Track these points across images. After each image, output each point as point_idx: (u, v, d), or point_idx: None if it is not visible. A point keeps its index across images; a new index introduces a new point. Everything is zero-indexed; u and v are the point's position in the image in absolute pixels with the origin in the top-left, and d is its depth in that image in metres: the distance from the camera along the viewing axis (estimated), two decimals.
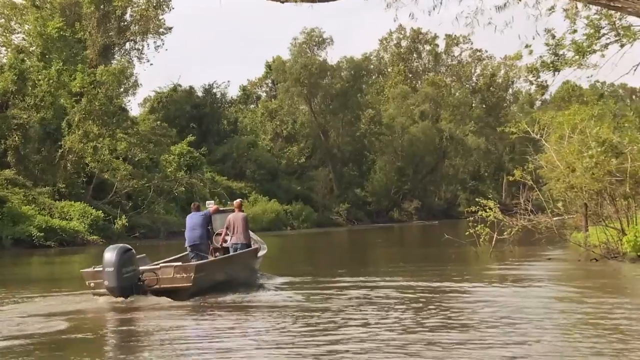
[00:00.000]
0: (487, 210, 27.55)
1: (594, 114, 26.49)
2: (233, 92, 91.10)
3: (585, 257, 25.59)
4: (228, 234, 19.02)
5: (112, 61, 69.06)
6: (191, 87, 78.63)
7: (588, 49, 21.47)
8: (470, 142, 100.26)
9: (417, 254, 34.93)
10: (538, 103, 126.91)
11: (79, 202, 48.28)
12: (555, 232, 26.34)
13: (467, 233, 28.13)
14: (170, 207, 58.18)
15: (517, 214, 27.10)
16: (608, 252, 24.36)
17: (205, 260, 17.49)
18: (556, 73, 23.16)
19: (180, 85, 78.07)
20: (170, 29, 74.91)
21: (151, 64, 75.08)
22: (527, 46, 23.50)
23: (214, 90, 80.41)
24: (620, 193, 23.08)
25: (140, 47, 74.76)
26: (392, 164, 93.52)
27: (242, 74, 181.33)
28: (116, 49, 74.28)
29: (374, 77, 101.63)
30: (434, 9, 14.83)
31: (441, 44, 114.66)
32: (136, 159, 56.71)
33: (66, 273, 27.39)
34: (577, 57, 22.11)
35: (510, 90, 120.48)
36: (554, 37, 23.15)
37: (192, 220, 18.81)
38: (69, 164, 51.06)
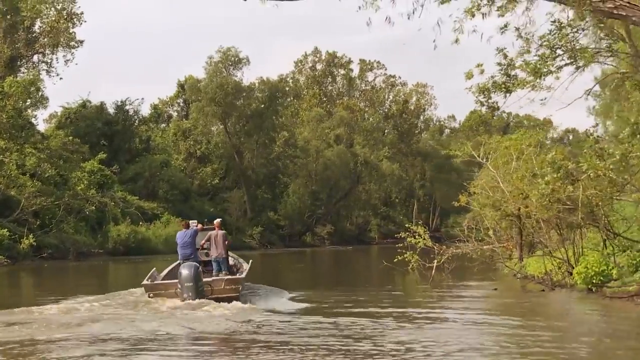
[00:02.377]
0: (417, 237, 26.71)
1: (540, 139, 25.88)
2: (144, 111, 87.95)
3: (522, 287, 24.96)
4: (208, 247, 21.52)
5: (18, 74, 65.94)
6: (102, 103, 75.73)
7: (544, 70, 20.72)
8: (385, 168, 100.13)
9: (349, 280, 33.76)
10: (447, 131, 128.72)
11: None
12: (500, 259, 25.53)
13: (395, 260, 27.27)
14: (80, 227, 55.40)
15: (463, 241, 26.28)
16: (552, 283, 23.64)
17: (242, 276, 21.03)
18: (507, 94, 22.40)
19: (89, 102, 75.11)
20: (81, 42, 72.31)
21: (61, 78, 71.91)
22: (478, 65, 22.72)
23: (127, 107, 77.67)
24: (572, 222, 22.27)
25: (49, 61, 71.92)
26: (306, 188, 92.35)
27: (151, 93, 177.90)
28: (23, 61, 71.24)
29: (289, 99, 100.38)
30: (413, 12, 13.77)
31: (355, 69, 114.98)
32: (45, 175, 53.73)
33: None
34: (531, 78, 21.36)
35: (421, 117, 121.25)
36: (505, 56, 22.41)
37: (184, 238, 20.76)
38: None
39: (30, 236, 47.40)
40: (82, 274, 40.45)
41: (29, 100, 56.33)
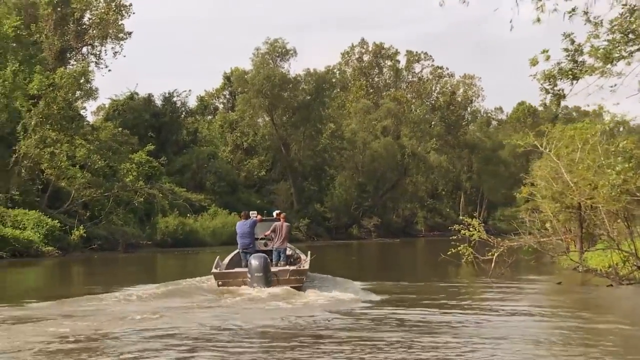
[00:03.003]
0: (471, 229, 26.05)
1: (608, 127, 24.94)
2: (191, 103, 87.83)
3: (586, 281, 24.13)
4: (272, 238, 22.18)
5: (68, 65, 66.30)
6: (150, 95, 75.85)
7: (616, 55, 19.78)
8: (432, 160, 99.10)
9: (404, 272, 33.29)
10: (494, 123, 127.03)
11: (34, 211, 45.52)
12: (559, 252, 24.69)
13: (449, 252, 26.58)
14: (129, 218, 55.48)
15: (517, 233, 25.50)
16: (618, 277, 22.75)
17: (307, 267, 21.54)
18: (574, 82, 21.50)
19: (137, 94, 75.33)
20: (129, 34, 72.54)
21: (109, 70, 72.07)
22: (544, 51, 21.84)
23: (174, 99, 77.69)
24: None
25: (98, 52, 72.26)
26: (352, 180, 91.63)
27: (188, 86, 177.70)
28: (73, 53, 71.66)
29: (335, 91, 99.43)
30: None
31: (402, 60, 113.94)
32: (95, 167, 53.81)
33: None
34: (600, 64, 20.44)
35: (469, 109, 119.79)
36: (573, 42, 21.50)
37: (243, 228, 21.84)
38: (23, 170, 48.31)
39: (81, 227, 47.53)
40: (132, 265, 40.43)
41: (78, 92, 56.46)
